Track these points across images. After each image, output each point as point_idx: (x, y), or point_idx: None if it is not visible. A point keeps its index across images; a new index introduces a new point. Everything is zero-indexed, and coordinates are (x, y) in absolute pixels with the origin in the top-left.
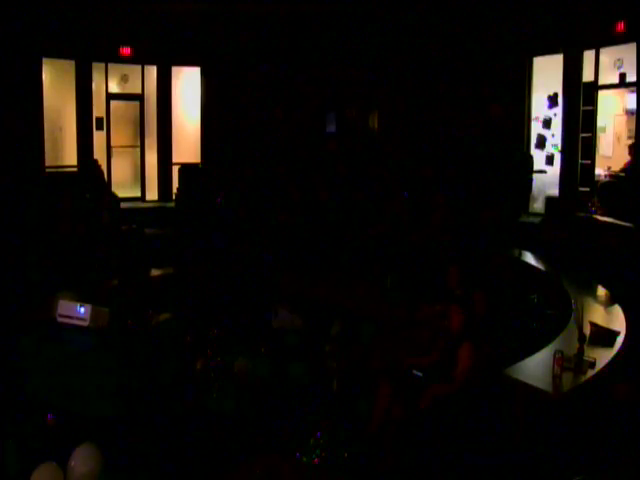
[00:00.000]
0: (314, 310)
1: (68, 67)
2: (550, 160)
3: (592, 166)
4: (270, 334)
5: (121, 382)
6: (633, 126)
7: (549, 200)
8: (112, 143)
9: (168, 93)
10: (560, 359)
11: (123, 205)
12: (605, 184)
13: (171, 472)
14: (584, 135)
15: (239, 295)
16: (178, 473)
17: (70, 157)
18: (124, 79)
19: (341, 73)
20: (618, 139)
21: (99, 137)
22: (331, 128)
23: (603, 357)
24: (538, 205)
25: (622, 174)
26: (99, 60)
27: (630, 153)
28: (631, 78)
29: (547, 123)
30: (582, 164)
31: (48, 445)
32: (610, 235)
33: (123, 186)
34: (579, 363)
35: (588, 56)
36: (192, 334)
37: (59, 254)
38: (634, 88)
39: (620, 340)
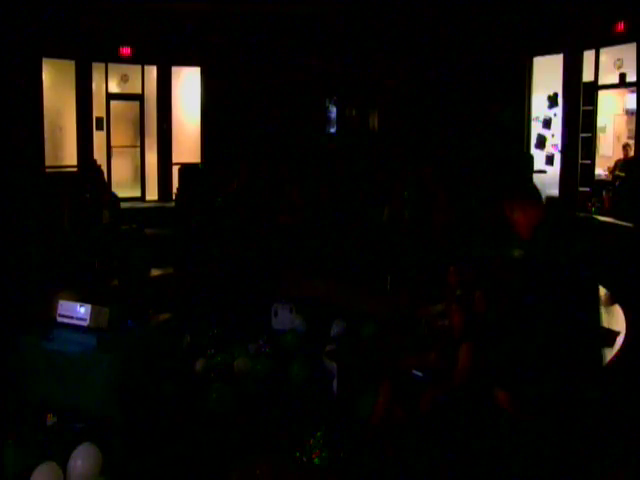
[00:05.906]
0: (314, 310)
1: (68, 67)
2: (550, 160)
3: (592, 166)
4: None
5: (121, 382)
6: (633, 126)
7: (549, 200)
8: (112, 143)
9: (168, 93)
10: None
11: (123, 205)
12: (605, 184)
13: (171, 472)
14: (584, 135)
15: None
16: (178, 473)
17: (70, 157)
18: (124, 79)
19: (342, 73)
20: (618, 139)
21: (99, 137)
22: (331, 128)
23: (603, 357)
24: None
25: (622, 174)
26: (99, 60)
27: (624, 153)
28: (631, 78)
29: (547, 123)
30: (582, 164)
31: (48, 445)
32: (610, 235)
33: (123, 186)
34: None
35: (588, 56)
36: (192, 334)
37: (59, 254)
38: (634, 88)
39: (620, 340)
